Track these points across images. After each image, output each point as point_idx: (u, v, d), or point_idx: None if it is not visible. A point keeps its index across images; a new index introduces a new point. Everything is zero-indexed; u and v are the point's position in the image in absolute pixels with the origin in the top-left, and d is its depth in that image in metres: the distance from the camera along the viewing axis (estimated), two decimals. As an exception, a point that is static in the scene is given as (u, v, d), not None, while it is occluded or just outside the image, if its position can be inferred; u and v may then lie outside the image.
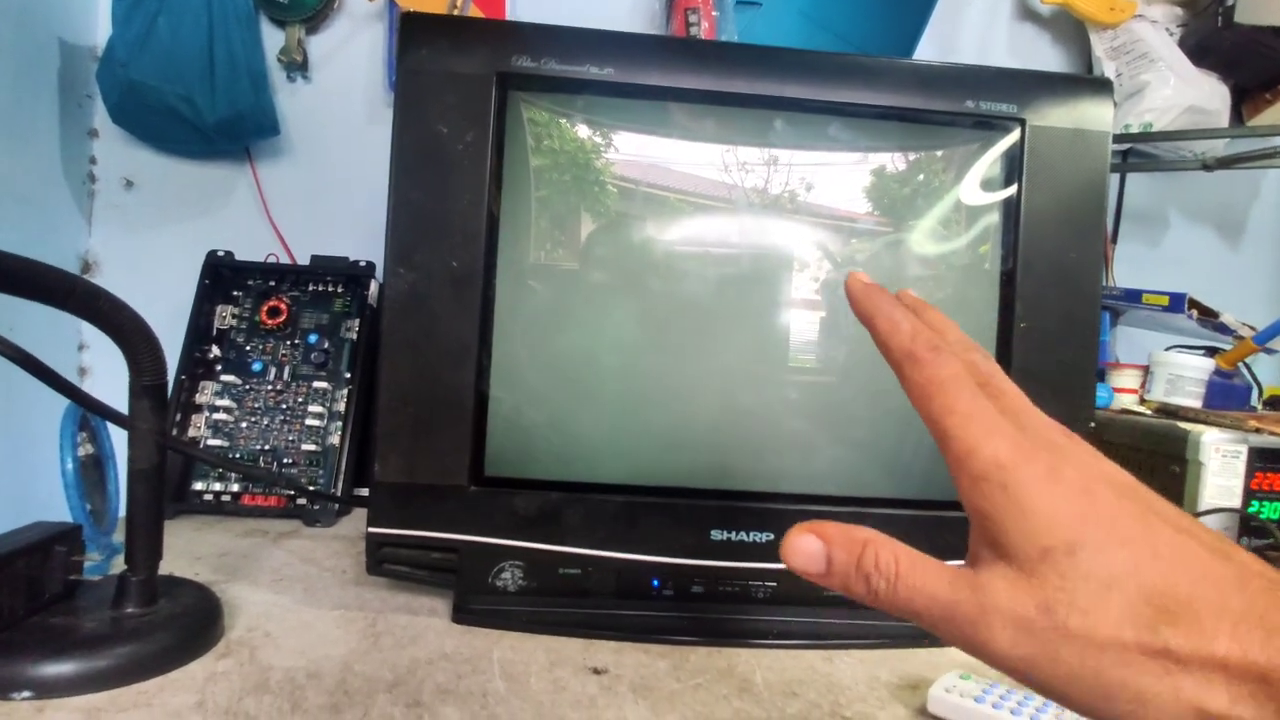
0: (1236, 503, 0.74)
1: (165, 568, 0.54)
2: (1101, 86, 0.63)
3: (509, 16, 0.98)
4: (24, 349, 0.48)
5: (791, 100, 0.61)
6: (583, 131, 0.61)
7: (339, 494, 0.83)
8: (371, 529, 0.57)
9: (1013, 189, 0.61)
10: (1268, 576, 0.24)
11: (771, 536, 0.59)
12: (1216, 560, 0.24)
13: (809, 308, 0.63)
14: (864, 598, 0.27)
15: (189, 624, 0.50)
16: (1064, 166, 0.62)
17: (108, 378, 0.94)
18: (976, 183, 0.63)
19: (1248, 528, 0.73)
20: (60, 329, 0.92)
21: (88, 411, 0.59)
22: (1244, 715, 0.22)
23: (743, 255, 0.64)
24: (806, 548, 0.28)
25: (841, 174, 0.63)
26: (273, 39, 0.97)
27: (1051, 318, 0.61)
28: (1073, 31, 1.09)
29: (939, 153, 0.64)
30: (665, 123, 0.62)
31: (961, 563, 0.27)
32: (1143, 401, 0.88)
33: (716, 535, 0.59)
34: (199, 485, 0.83)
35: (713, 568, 0.59)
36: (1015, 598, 0.25)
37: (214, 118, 0.89)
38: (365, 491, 0.61)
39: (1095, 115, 0.62)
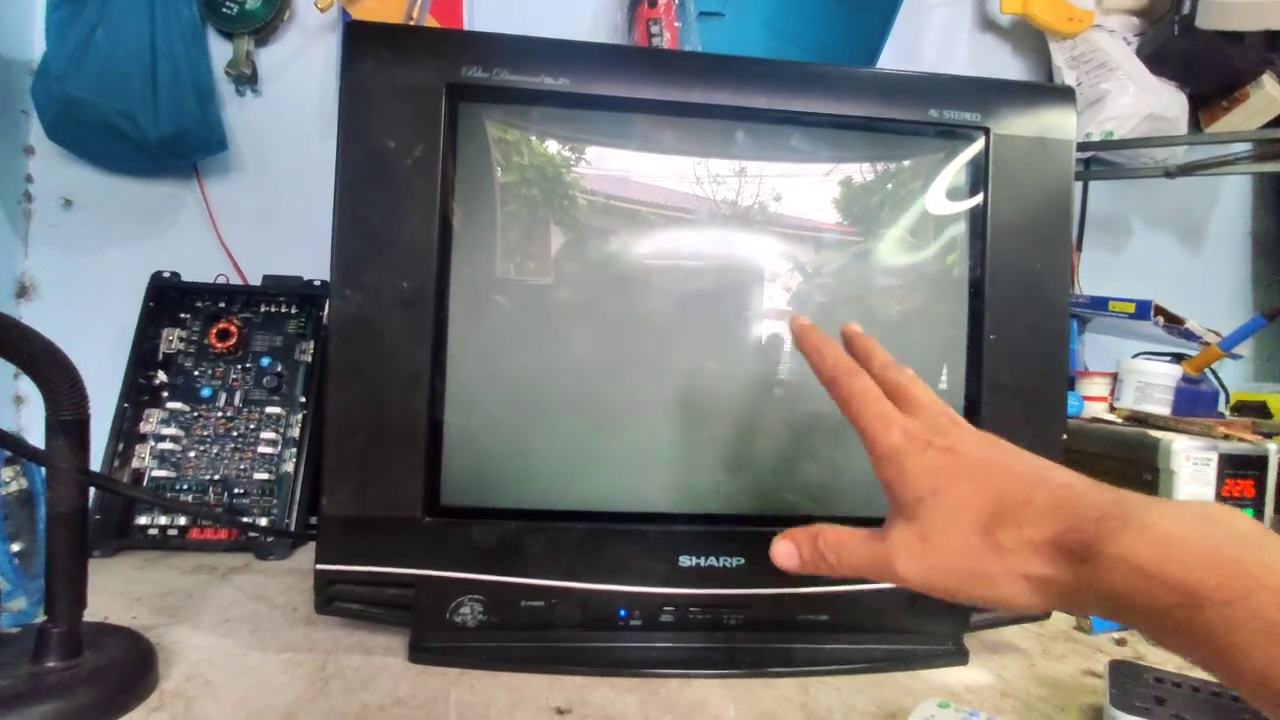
0: (1208, 510, 0.73)
1: (102, 611, 0.51)
2: (1064, 95, 0.63)
3: (466, 26, 0.95)
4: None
5: (752, 110, 0.59)
6: (540, 143, 0.59)
7: (293, 524, 0.79)
8: (320, 565, 0.54)
9: (978, 199, 0.60)
10: (1062, 481, 0.35)
11: (743, 561, 0.57)
12: (1032, 476, 0.36)
13: (774, 323, 0.61)
14: (828, 572, 0.40)
15: (117, 676, 0.47)
16: (1029, 176, 0.61)
17: (47, 407, 0.89)
18: (942, 193, 0.62)
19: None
20: (-5, 356, 0.87)
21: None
22: (1048, 572, 0.33)
23: (705, 269, 0.62)
24: (784, 550, 0.41)
25: (805, 185, 0.61)
26: (220, 51, 0.93)
27: (1020, 329, 0.60)
28: (1033, 41, 1.10)
29: (904, 162, 0.62)
30: (624, 133, 0.60)
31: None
32: (1112, 409, 0.87)
33: (685, 561, 0.57)
34: (143, 520, 0.78)
35: (682, 595, 0.57)
36: (904, 534, 0.37)
37: (157, 134, 0.85)
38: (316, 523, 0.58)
39: (1059, 124, 0.61)
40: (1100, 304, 0.93)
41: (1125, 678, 0.50)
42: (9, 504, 0.59)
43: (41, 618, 0.55)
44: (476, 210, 0.57)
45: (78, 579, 0.46)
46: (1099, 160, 1.08)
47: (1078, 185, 1.10)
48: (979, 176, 0.60)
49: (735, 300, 0.62)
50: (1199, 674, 0.54)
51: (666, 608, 0.57)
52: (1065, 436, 0.61)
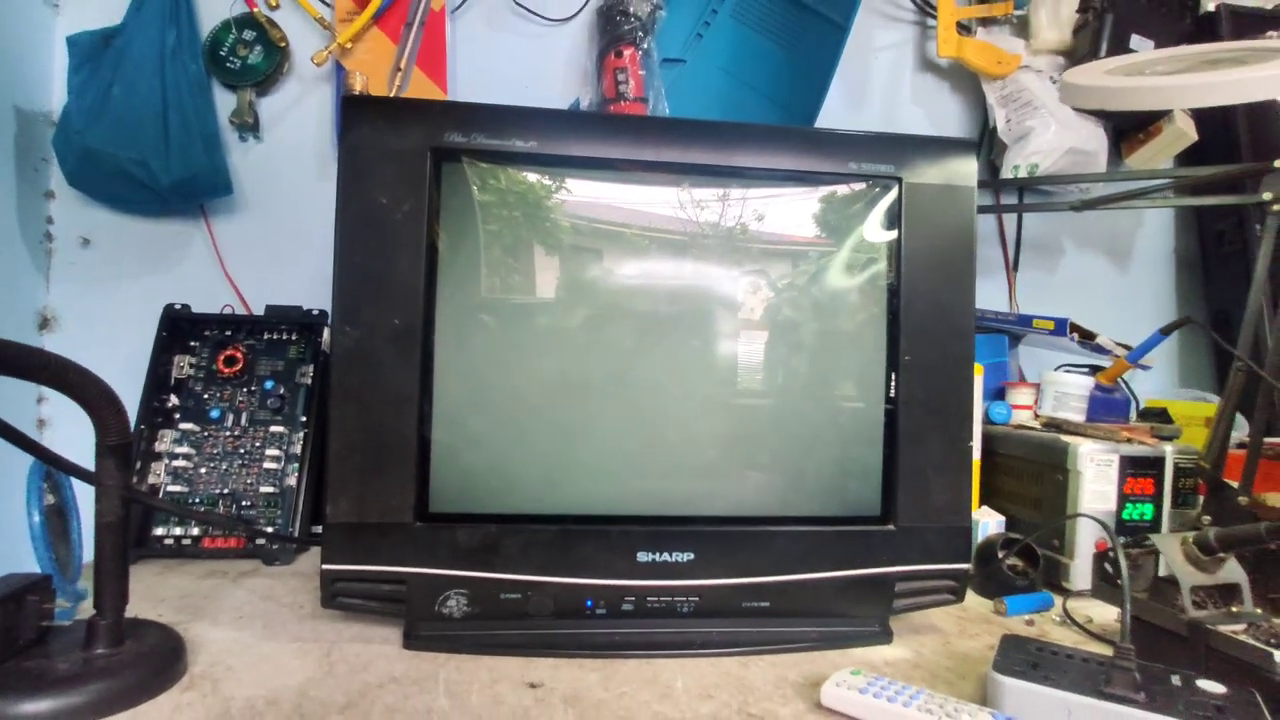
0: (1112, 506, 0.83)
1: (131, 610, 0.58)
2: (966, 147, 0.73)
3: (450, 77, 1.04)
4: (-8, 413, 0.53)
5: (698, 165, 0.69)
6: (513, 193, 0.68)
7: (296, 532, 0.87)
8: (325, 566, 0.63)
9: (894, 238, 0.70)
10: None
11: (692, 556, 0.66)
12: None
13: (717, 347, 0.70)
14: None
15: (155, 661, 0.55)
16: (937, 218, 0.70)
17: (66, 428, 0.97)
18: (863, 234, 0.71)
19: (1122, 529, 0.82)
20: (19, 382, 0.95)
21: (57, 470, 0.63)
22: None
23: (657, 297, 0.71)
24: None
25: (744, 229, 0.70)
26: (225, 102, 1.02)
27: (931, 351, 0.69)
28: (969, 81, 1.20)
29: (830, 208, 0.72)
30: (586, 184, 0.69)
31: None
32: (1036, 417, 0.97)
33: (643, 557, 0.65)
34: (159, 530, 0.86)
35: (640, 586, 0.66)
36: None
37: (169, 180, 0.93)
38: (321, 530, 0.66)
39: (962, 172, 0.71)
40: (1026, 321, 1.03)
41: (1011, 647, 0.58)
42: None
43: (79, 615, 0.64)
44: (458, 255, 0.66)
45: (121, 578, 0.55)
46: (1033, 190, 1.19)
47: (1012, 215, 1.20)
48: (894, 219, 0.70)
49: (683, 326, 0.70)
50: (1087, 648, 0.63)
51: (627, 598, 0.66)
52: (971, 443, 0.70)
